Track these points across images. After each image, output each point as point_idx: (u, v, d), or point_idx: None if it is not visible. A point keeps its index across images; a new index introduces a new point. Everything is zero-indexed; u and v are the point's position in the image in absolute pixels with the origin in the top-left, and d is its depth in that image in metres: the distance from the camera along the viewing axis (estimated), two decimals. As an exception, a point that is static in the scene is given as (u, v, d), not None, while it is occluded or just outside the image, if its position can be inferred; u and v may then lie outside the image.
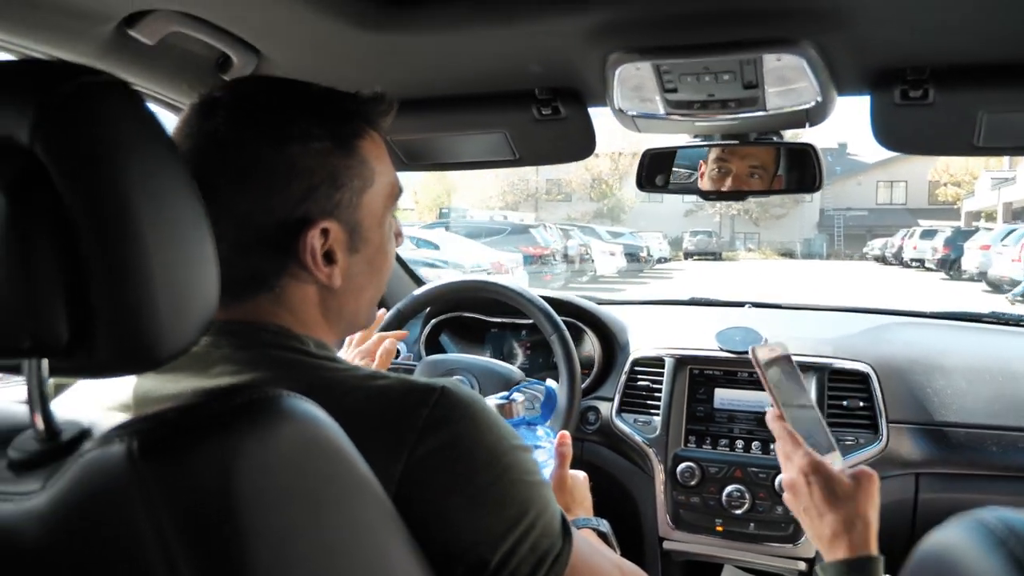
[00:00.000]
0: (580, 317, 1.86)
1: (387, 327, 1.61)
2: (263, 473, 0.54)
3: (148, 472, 0.50)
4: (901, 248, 24.91)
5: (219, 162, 0.73)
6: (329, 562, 0.57)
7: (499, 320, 1.97)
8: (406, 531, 0.65)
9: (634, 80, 1.21)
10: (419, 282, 2.17)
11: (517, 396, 1.26)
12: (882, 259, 27.76)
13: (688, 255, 31.06)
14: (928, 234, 22.82)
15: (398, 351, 1.97)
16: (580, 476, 1.17)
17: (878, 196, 37.78)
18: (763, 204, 33.74)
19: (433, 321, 1.99)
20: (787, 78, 1.16)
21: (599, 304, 1.98)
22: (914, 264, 23.14)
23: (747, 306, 2.05)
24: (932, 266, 20.73)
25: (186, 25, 1.12)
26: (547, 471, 1.17)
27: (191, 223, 0.57)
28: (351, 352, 1.44)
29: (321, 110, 0.77)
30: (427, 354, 1.94)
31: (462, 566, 0.68)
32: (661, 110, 1.29)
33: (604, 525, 1.06)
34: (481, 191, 33.32)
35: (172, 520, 0.50)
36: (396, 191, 0.84)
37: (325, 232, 0.75)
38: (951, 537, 0.41)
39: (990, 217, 28.77)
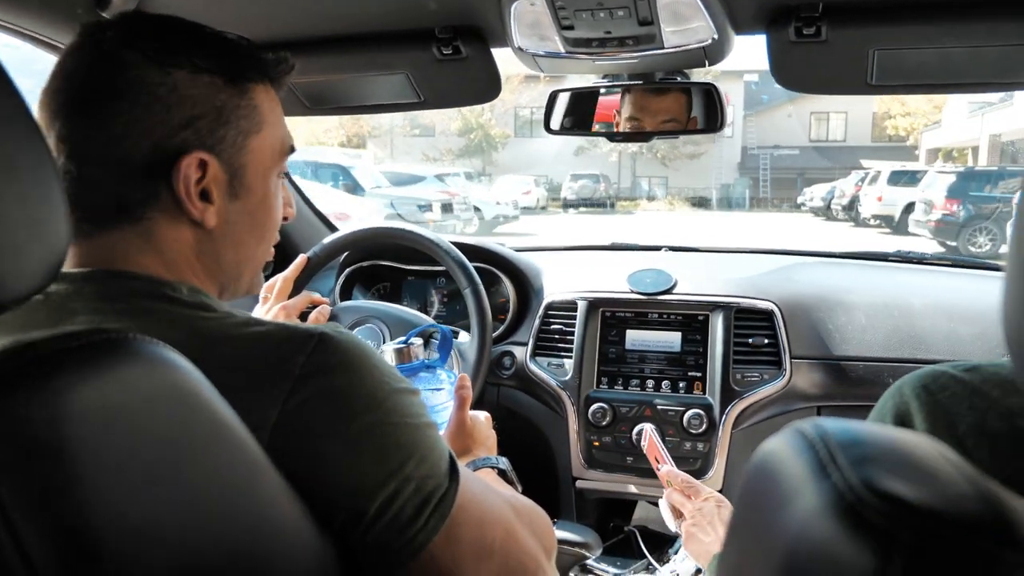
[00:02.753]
0: (496, 263, 1.86)
1: (300, 274, 1.58)
2: (103, 417, 0.52)
3: None
4: (855, 199, 17.98)
5: (99, 79, 0.71)
6: (188, 511, 0.56)
7: (415, 268, 1.95)
8: (279, 479, 0.64)
9: (530, 16, 1.19)
10: (332, 228, 2.13)
11: (415, 340, 1.26)
12: (825, 212, 20.66)
13: (568, 206, 24.24)
14: (902, 178, 15.94)
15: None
16: (480, 416, 1.18)
17: (811, 131, 29.70)
18: (672, 141, 24.54)
19: (348, 269, 1.96)
20: (682, 15, 1.15)
21: (517, 251, 1.98)
22: (875, 223, 16.54)
23: (663, 249, 2.08)
24: (920, 231, 13.61)
25: None
26: (447, 412, 1.18)
27: (30, 159, 0.53)
28: (272, 307, 1.42)
29: (215, 47, 0.75)
30: (341, 302, 1.91)
31: (344, 511, 0.68)
32: (560, 48, 1.27)
33: (503, 463, 1.07)
34: (320, 122, 25.28)
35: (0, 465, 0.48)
36: (286, 148, 0.83)
37: (203, 165, 0.73)
38: (775, 443, 0.44)
39: (961, 155, 22.74)
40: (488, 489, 0.84)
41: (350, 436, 0.68)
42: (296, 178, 2.15)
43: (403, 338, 1.28)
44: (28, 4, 1.18)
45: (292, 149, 0.84)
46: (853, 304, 1.70)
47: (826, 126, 29.78)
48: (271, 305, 1.42)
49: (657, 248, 2.10)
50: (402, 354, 1.26)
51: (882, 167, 17.92)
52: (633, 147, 26.82)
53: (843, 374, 1.62)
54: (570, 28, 1.20)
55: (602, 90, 1.52)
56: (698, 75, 1.47)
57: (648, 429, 1.35)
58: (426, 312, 1.93)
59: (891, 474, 0.35)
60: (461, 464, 0.79)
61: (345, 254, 1.94)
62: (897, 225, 15.63)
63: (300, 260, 1.54)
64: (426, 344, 1.44)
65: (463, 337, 1.66)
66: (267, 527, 0.62)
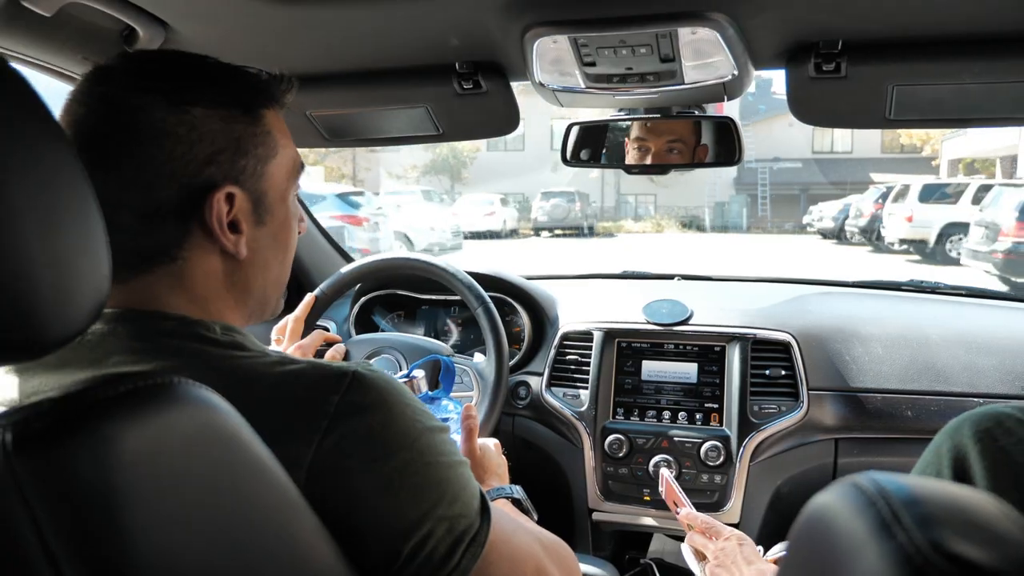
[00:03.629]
0: (510, 292, 1.86)
1: (310, 312, 1.59)
2: (149, 462, 0.52)
3: (21, 466, 0.48)
4: (875, 219, 15.02)
5: (117, 127, 0.70)
6: (229, 552, 0.56)
7: (429, 297, 1.95)
8: (315, 520, 0.65)
9: (552, 54, 1.20)
10: (348, 258, 2.14)
11: (417, 372, 1.26)
12: (836, 234, 17.67)
13: (539, 228, 21.39)
14: (935, 193, 13.00)
15: (328, 328, 1.95)
16: (490, 444, 1.18)
17: (815, 142, 26.83)
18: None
19: (362, 299, 1.96)
20: (703, 52, 1.16)
21: (528, 279, 1.98)
22: (901, 247, 13.62)
23: (676, 278, 2.08)
24: (974, 262, 10.09)
25: None
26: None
27: (76, 206, 0.55)
28: (287, 348, 1.42)
29: (224, 80, 0.76)
30: (357, 333, 1.91)
31: (378, 552, 0.68)
32: (581, 84, 1.28)
33: (518, 492, 1.07)
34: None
35: (48, 515, 0.49)
36: (298, 166, 0.84)
37: (230, 197, 0.74)
38: (829, 499, 0.42)
39: (984, 166, 20.19)
40: (518, 526, 0.84)
41: (385, 475, 0.68)
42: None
43: (405, 371, 1.28)
44: (56, 41, 1.20)
45: (303, 166, 0.85)
46: (870, 335, 1.70)
47: (830, 137, 26.88)
48: (285, 347, 1.42)
49: (670, 277, 2.10)
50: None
51: (895, 180, 15.85)
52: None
53: (861, 406, 1.62)
54: (592, 64, 1.21)
55: (616, 124, 1.54)
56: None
57: (665, 473, 1.35)
58: (442, 340, 1.93)
59: (959, 536, 0.35)
60: (491, 501, 0.79)
61: (357, 285, 1.94)
62: (932, 252, 12.74)
63: (308, 299, 1.54)
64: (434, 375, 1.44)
65: (478, 358, 1.66)
66: (304, 568, 0.63)
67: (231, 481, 0.58)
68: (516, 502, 1.06)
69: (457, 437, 1.17)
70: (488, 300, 1.60)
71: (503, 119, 1.45)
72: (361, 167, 26.61)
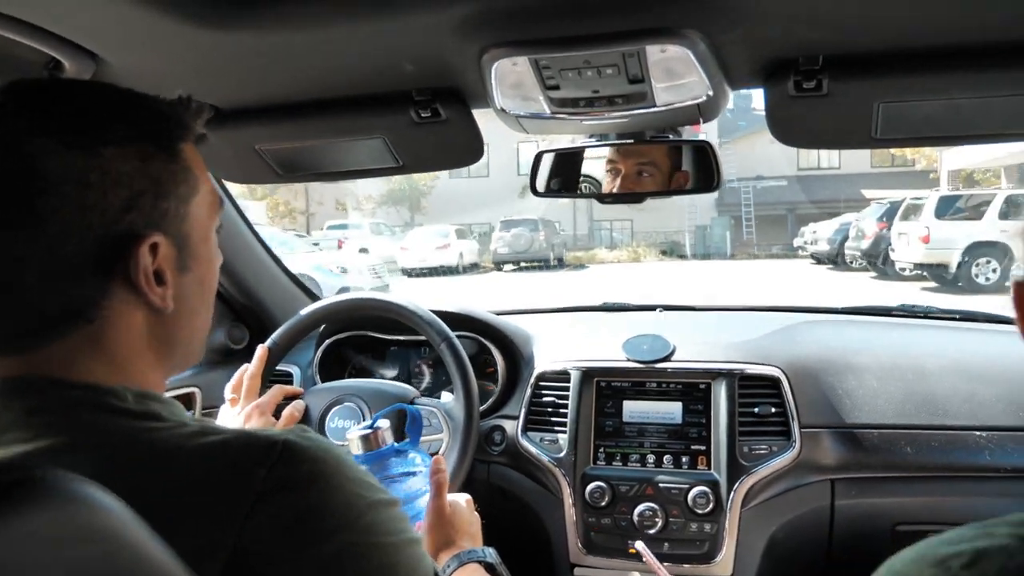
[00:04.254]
0: (480, 331, 1.75)
1: (268, 361, 1.49)
2: (12, 567, 0.46)
3: None
4: (880, 239, 13.12)
5: (19, 175, 0.60)
6: None
7: (398, 337, 1.85)
8: None
9: (512, 77, 1.11)
10: (313, 297, 2.03)
11: (382, 423, 1.16)
12: (833, 258, 15.77)
13: (500, 263, 19.50)
14: (951, 206, 11.44)
15: (291, 374, 1.84)
16: (461, 500, 1.09)
17: (800, 159, 25.03)
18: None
19: (326, 343, 1.85)
20: (675, 71, 1.07)
21: (500, 315, 1.88)
22: (912, 273, 12.06)
23: (658, 310, 1.98)
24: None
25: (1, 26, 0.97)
26: (423, 500, 1.09)
27: None
28: (241, 409, 1.33)
29: (135, 112, 0.67)
30: (322, 379, 1.80)
31: None
32: (545, 109, 1.19)
33: (491, 555, 0.99)
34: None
35: None
36: (218, 200, 0.75)
37: (154, 247, 0.65)
38: None
39: (985, 178, 18.81)
40: None
41: (319, 562, 0.59)
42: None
43: (368, 422, 1.18)
44: None
45: (222, 201, 0.77)
46: (863, 366, 1.61)
47: (816, 153, 24.67)
48: (242, 407, 1.34)
49: (652, 308, 2.01)
50: (368, 440, 1.16)
51: (888, 196, 14.34)
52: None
53: (857, 443, 1.52)
54: (555, 88, 1.12)
55: (588, 150, 1.45)
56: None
57: (640, 547, 1.24)
58: (411, 383, 1.81)
59: None
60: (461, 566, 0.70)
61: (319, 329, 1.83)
62: (954, 277, 10.93)
63: (261, 353, 1.43)
64: (400, 424, 1.34)
65: (446, 397, 1.55)
66: None
67: None
68: (489, 567, 0.98)
69: (426, 492, 1.08)
70: (451, 335, 1.50)
71: (465, 148, 1.36)
72: (314, 200, 25.26)
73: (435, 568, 0.69)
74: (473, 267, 19.08)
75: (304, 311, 1.58)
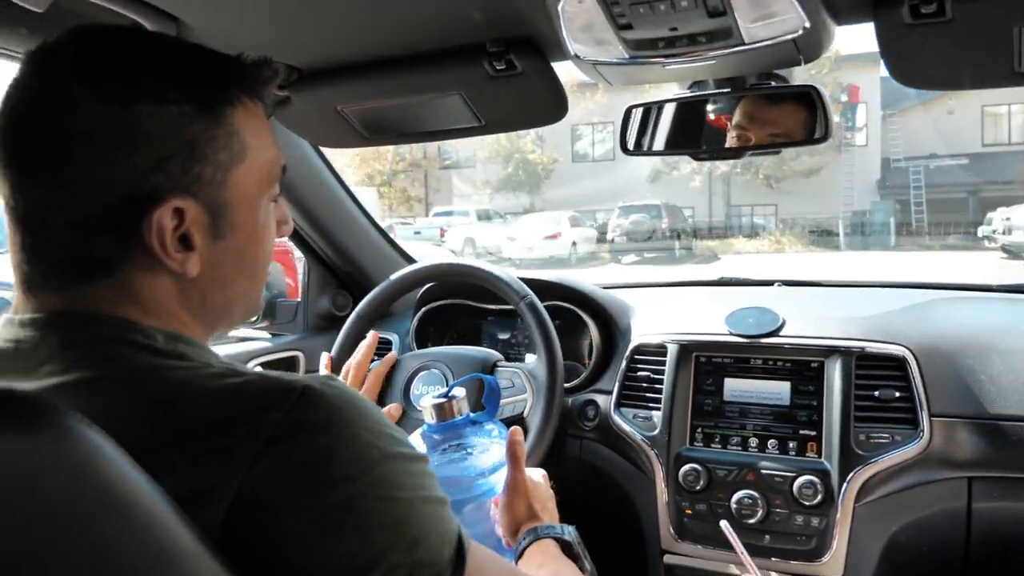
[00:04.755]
0: (576, 300, 1.67)
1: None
2: None
3: None
4: None
5: (48, 121, 0.61)
6: None
7: (493, 307, 1.80)
8: (217, 569, 0.53)
9: (582, 18, 1.02)
10: (409, 260, 2.04)
11: (458, 391, 1.10)
12: None
13: (617, 252, 17.72)
14: None
15: (390, 341, 1.85)
16: (537, 476, 1.04)
17: (985, 134, 20.57)
18: (779, 156, 17.29)
19: (422, 311, 1.84)
20: (761, 2, 0.94)
21: (605, 287, 1.79)
22: None
23: (776, 284, 1.82)
24: None
25: None
26: (501, 473, 1.04)
27: None
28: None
29: (184, 70, 0.65)
30: (418, 346, 1.79)
31: None
32: (624, 53, 1.09)
33: (569, 533, 0.93)
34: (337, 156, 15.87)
35: None
36: (276, 172, 0.72)
37: (179, 212, 0.63)
38: None
39: None
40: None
41: (323, 512, 0.56)
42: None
43: (444, 390, 1.13)
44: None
45: (284, 169, 0.74)
46: (1011, 349, 1.38)
47: (1007, 125, 20.59)
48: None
49: (770, 283, 1.84)
50: (443, 409, 1.10)
51: None
52: (723, 166, 19.08)
53: (1002, 437, 1.30)
54: (628, 28, 1.02)
55: (692, 108, 1.33)
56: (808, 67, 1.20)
57: (724, 526, 1.11)
58: (506, 354, 1.77)
59: None
60: (479, 548, 0.65)
61: (420, 294, 1.83)
62: None
63: (371, 341, 1.44)
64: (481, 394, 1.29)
65: (529, 359, 1.49)
66: None
67: (90, 528, 0.48)
68: (566, 545, 0.92)
69: (497, 476, 1.04)
70: (531, 294, 1.44)
71: (547, 104, 1.28)
72: (432, 188, 24.65)
73: (460, 533, 0.63)
74: (591, 257, 17.44)
75: (385, 283, 1.59)
